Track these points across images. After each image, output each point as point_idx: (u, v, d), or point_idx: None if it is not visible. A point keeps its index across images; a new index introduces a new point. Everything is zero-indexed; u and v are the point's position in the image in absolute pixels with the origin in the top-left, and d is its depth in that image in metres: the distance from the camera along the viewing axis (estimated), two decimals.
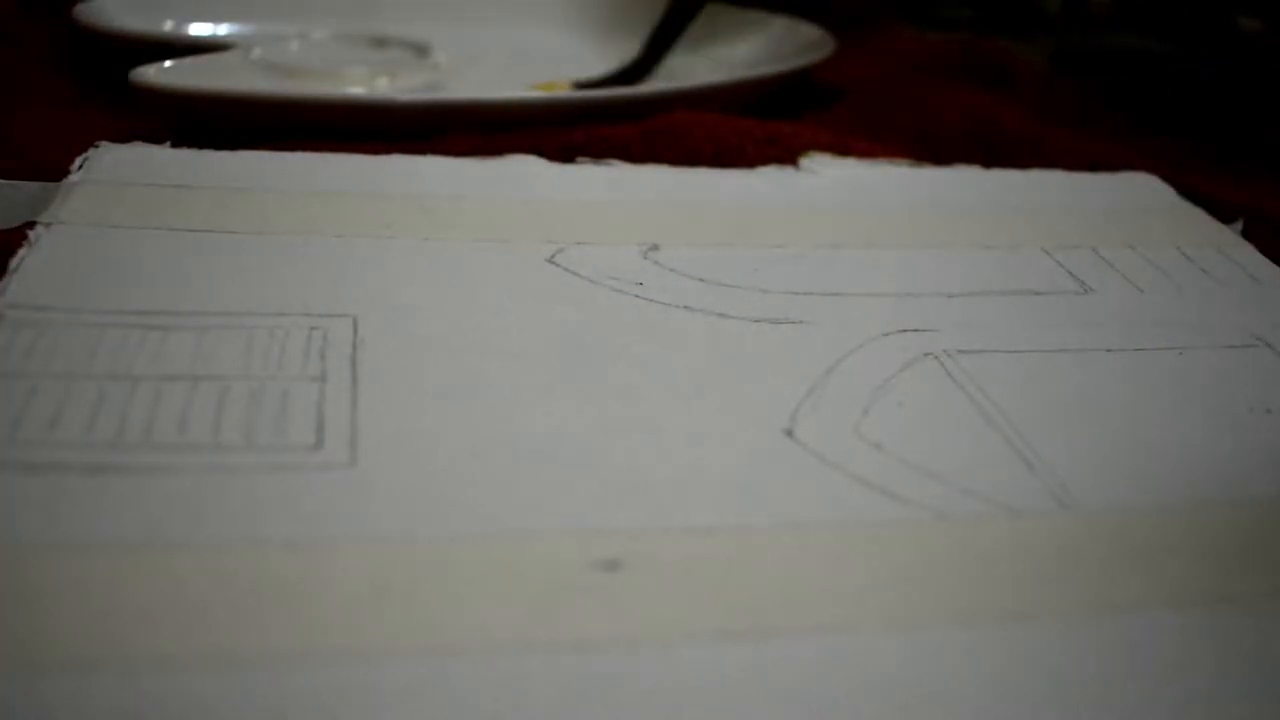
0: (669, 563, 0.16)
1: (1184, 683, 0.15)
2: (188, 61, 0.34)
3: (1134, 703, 0.14)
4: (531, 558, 0.16)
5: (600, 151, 0.31)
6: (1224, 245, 0.28)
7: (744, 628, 0.15)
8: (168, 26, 0.43)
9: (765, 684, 0.14)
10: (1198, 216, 0.30)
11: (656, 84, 0.39)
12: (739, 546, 0.16)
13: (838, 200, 0.29)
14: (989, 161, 0.33)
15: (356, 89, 0.38)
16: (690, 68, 0.43)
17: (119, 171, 0.26)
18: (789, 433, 0.19)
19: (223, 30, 0.44)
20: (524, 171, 0.29)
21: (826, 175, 0.31)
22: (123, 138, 0.28)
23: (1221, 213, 0.30)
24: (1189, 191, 0.31)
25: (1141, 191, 0.31)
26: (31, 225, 0.23)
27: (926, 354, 0.22)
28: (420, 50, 0.41)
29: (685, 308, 0.23)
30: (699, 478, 0.18)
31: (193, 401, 0.18)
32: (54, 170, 0.26)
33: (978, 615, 0.16)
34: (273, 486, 0.17)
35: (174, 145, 0.28)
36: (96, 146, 0.27)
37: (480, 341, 0.21)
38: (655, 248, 0.25)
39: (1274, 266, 0.27)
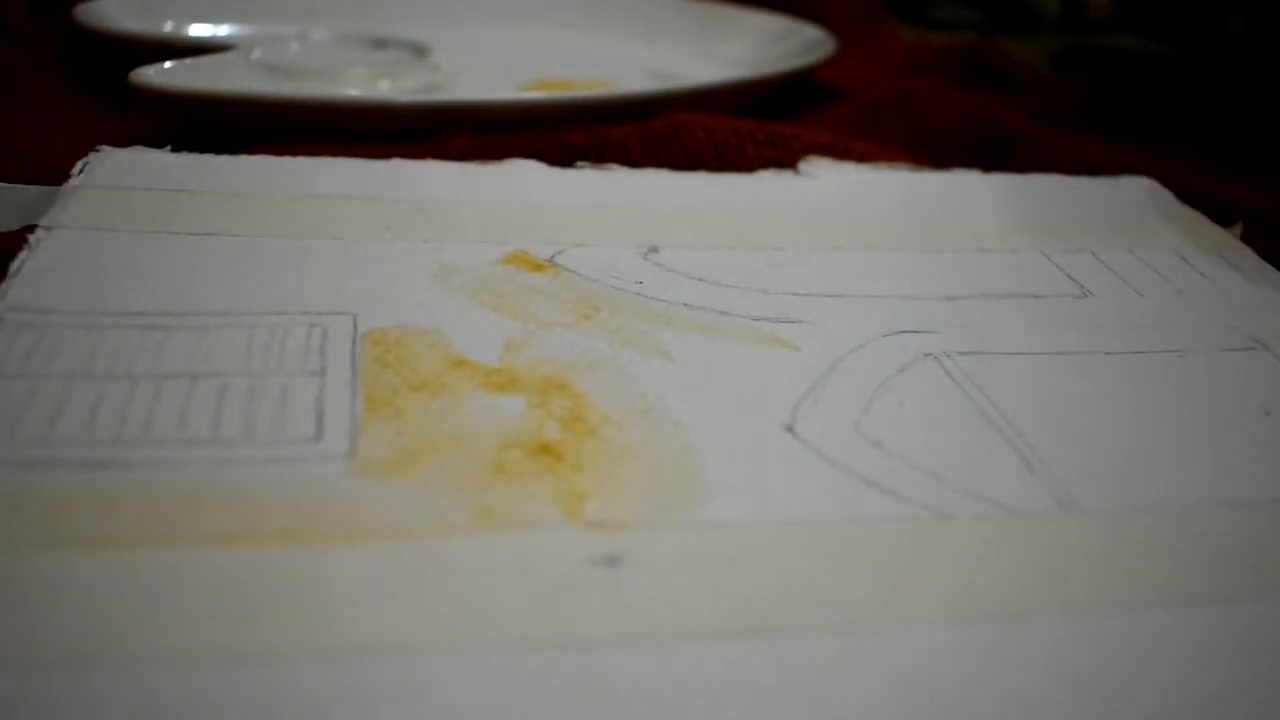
0: (669, 559, 0.16)
1: (1183, 682, 0.15)
2: (188, 62, 0.34)
3: (1133, 702, 0.14)
4: (531, 552, 0.16)
5: (600, 152, 0.31)
6: (1223, 248, 0.28)
7: (744, 625, 0.15)
8: (168, 27, 0.43)
9: (765, 683, 0.14)
10: (1197, 220, 0.30)
11: (656, 84, 0.39)
12: (739, 542, 0.16)
13: (837, 204, 0.29)
14: (988, 163, 0.33)
15: (356, 90, 0.38)
16: (690, 68, 0.44)
17: (119, 176, 0.26)
18: (790, 429, 0.19)
19: (223, 31, 0.44)
20: (523, 175, 0.29)
21: (826, 179, 0.31)
22: (123, 139, 0.28)
23: (1221, 216, 0.30)
24: (1188, 194, 0.31)
25: (1140, 195, 0.31)
26: (32, 229, 0.23)
27: (926, 354, 0.22)
28: (420, 51, 0.41)
29: (685, 305, 0.23)
30: (699, 472, 0.18)
31: (192, 398, 0.18)
32: (53, 171, 0.26)
33: (977, 615, 0.16)
34: (272, 479, 0.17)
35: (174, 146, 0.28)
36: (97, 151, 0.27)
37: (480, 336, 0.21)
38: (655, 250, 0.25)
39: (1273, 269, 0.27)
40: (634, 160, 0.31)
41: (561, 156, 0.30)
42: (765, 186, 0.30)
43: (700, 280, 0.24)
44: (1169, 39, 0.52)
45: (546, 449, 0.18)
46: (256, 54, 0.37)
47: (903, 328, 0.23)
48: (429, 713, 0.13)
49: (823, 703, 0.14)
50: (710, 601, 0.15)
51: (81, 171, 0.26)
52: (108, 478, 0.16)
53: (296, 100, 0.33)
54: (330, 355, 0.20)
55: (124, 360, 0.19)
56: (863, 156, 0.33)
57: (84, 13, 0.41)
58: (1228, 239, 0.29)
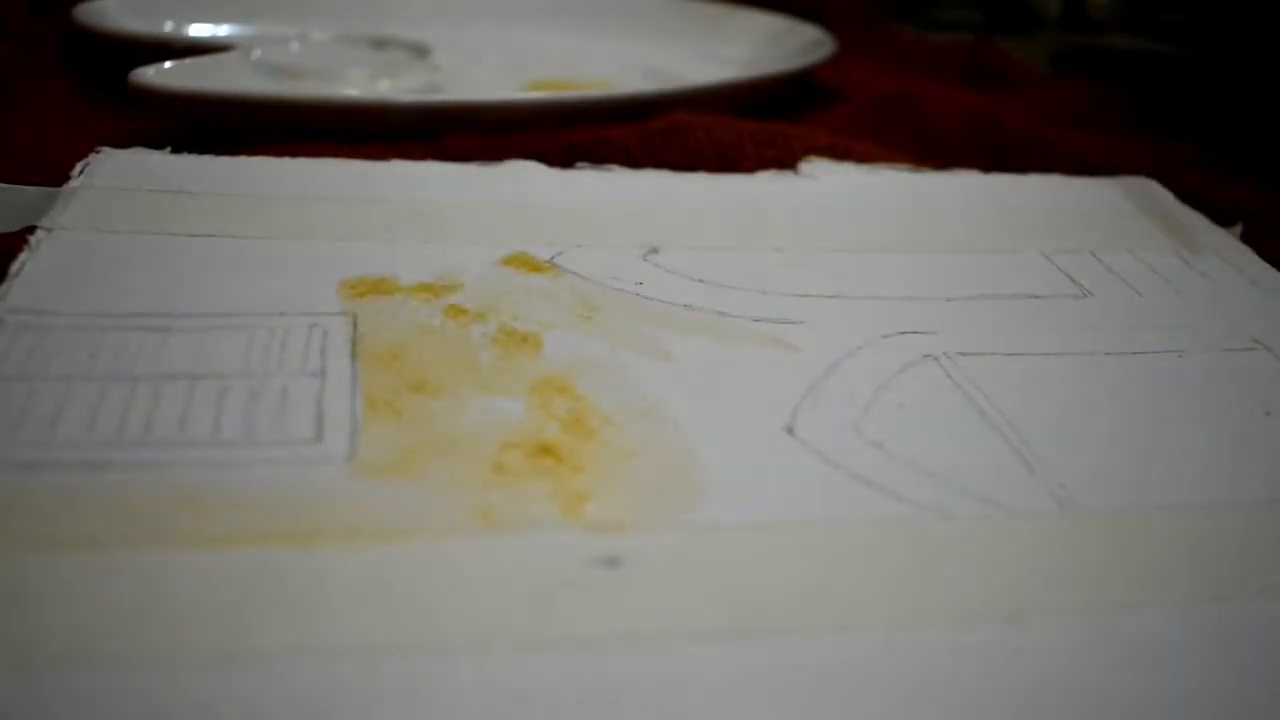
0: (669, 559, 0.16)
1: (1183, 683, 0.15)
2: (188, 63, 0.35)
3: (1133, 703, 0.14)
4: (531, 553, 0.16)
5: (600, 152, 0.31)
6: (1223, 249, 0.28)
7: (744, 626, 0.15)
8: (168, 27, 0.43)
9: (765, 683, 0.14)
10: (1197, 220, 0.30)
11: (656, 84, 0.39)
12: (739, 543, 0.16)
13: (837, 204, 0.29)
14: (989, 163, 0.33)
15: (356, 90, 0.38)
16: (690, 68, 0.43)
17: (119, 177, 0.26)
18: (789, 430, 0.19)
19: (223, 31, 0.44)
20: (523, 177, 0.29)
21: (826, 180, 0.31)
22: (123, 139, 0.28)
23: (1221, 216, 0.30)
24: (1188, 194, 0.31)
25: (1140, 195, 0.31)
26: (32, 230, 0.23)
27: (926, 355, 0.22)
28: (420, 51, 0.41)
29: (685, 306, 0.23)
30: (699, 473, 0.18)
31: (192, 399, 0.18)
32: (54, 171, 0.26)
33: (977, 615, 0.16)
34: (273, 480, 0.17)
35: (174, 146, 0.28)
36: (97, 151, 0.27)
37: (481, 337, 0.21)
38: (655, 250, 0.25)
39: (1273, 270, 0.27)
40: (634, 161, 0.31)
41: (561, 157, 0.30)
42: (765, 186, 0.30)
43: (700, 281, 0.24)
44: (1169, 39, 0.52)
45: (546, 450, 0.18)
46: (256, 54, 0.37)
47: (903, 328, 0.23)
48: (429, 713, 0.13)
49: (823, 703, 0.14)
50: (710, 602, 0.15)
51: (82, 172, 0.26)
52: (108, 479, 0.16)
53: (296, 100, 0.33)
54: (330, 356, 0.20)
55: (124, 361, 0.19)
56: (863, 156, 0.33)
57: (84, 13, 0.41)
58: (1228, 239, 0.29)
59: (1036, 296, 0.25)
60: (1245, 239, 0.29)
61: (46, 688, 0.13)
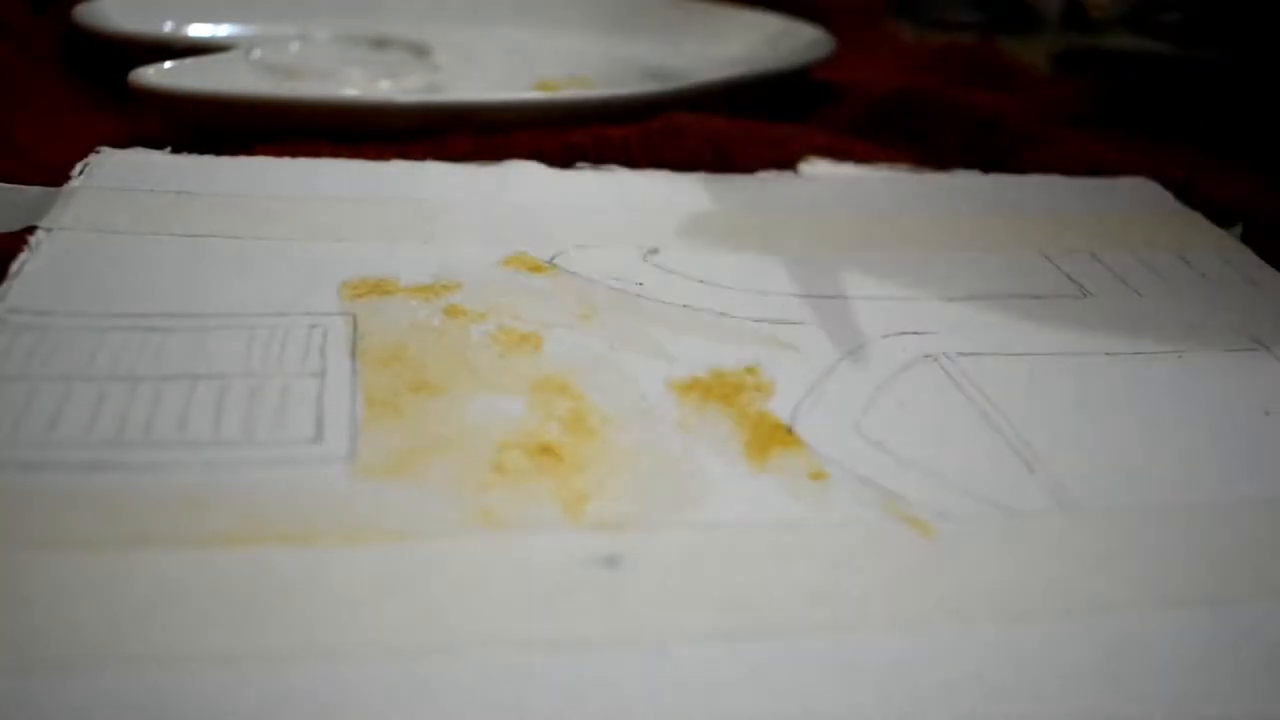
0: (669, 559, 0.16)
1: (1184, 683, 0.15)
2: (188, 63, 0.34)
3: (1133, 703, 0.14)
4: (532, 552, 0.16)
5: (600, 152, 0.31)
6: (1223, 249, 0.28)
7: (744, 625, 0.15)
8: (168, 28, 0.43)
9: (765, 683, 0.14)
10: (1197, 220, 0.30)
11: (656, 84, 0.39)
12: (739, 543, 0.16)
13: (837, 204, 0.29)
14: (989, 163, 0.33)
15: (356, 90, 0.38)
16: (689, 68, 0.43)
17: (119, 177, 0.26)
18: (789, 429, 0.19)
19: (223, 31, 0.44)
20: (523, 176, 0.29)
21: (826, 179, 0.31)
22: (123, 139, 0.28)
23: (1221, 216, 0.30)
24: (1188, 194, 0.31)
25: (1140, 196, 0.31)
26: (32, 230, 0.23)
27: (926, 355, 0.22)
28: (420, 51, 0.41)
29: (685, 306, 0.23)
30: (699, 473, 0.18)
31: (192, 399, 0.18)
32: (54, 171, 0.26)
33: (977, 615, 0.16)
34: (273, 481, 0.17)
35: (174, 146, 0.28)
36: (97, 151, 0.27)
37: (481, 337, 0.21)
38: (655, 251, 0.25)
39: (1273, 270, 0.27)
40: (634, 160, 0.31)
41: (561, 156, 0.30)
42: (765, 186, 0.30)
43: (700, 281, 0.24)
44: (1169, 39, 0.52)
45: (547, 449, 0.18)
46: (256, 54, 0.37)
47: (902, 329, 0.23)
48: (429, 713, 0.13)
49: (823, 703, 0.14)
50: (710, 601, 0.15)
51: (82, 172, 0.26)
52: (108, 479, 0.16)
53: (296, 100, 0.33)
54: (330, 356, 0.20)
55: (124, 362, 0.19)
56: (863, 156, 0.33)
57: (84, 13, 0.41)
58: (1228, 239, 0.29)
59: (1036, 296, 0.25)
60: (1245, 239, 0.29)
61: (48, 687, 0.13)
